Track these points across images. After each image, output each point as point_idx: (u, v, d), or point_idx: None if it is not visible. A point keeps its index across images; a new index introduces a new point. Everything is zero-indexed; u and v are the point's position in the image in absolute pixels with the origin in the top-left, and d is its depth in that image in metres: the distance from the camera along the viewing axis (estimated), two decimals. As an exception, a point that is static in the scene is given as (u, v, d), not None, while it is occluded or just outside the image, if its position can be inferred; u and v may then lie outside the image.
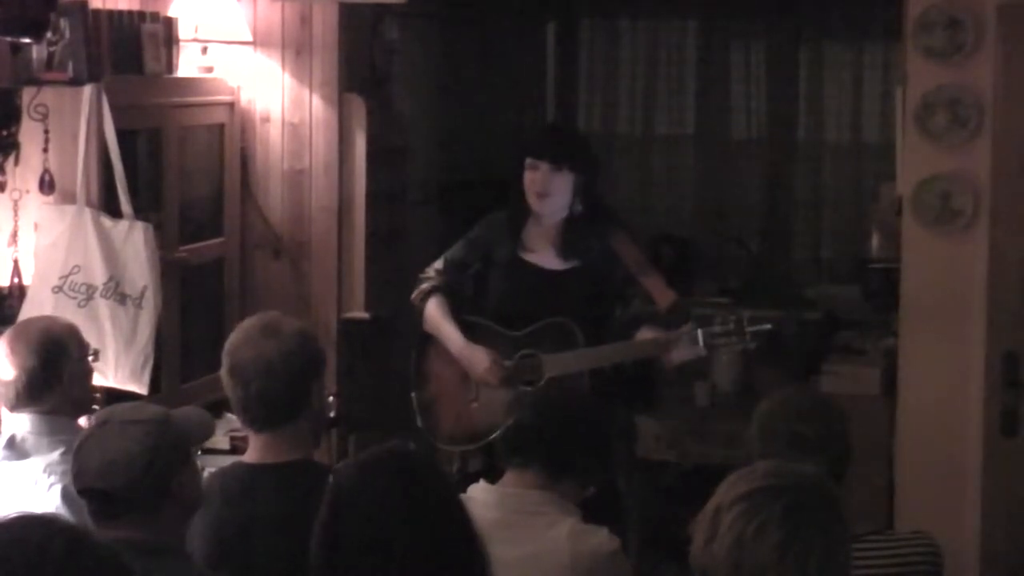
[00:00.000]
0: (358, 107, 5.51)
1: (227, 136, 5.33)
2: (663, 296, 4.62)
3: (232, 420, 4.63)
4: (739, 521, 2.22)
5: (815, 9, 7.94)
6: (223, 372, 3.24)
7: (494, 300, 4.54)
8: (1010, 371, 4.73)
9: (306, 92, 5.45)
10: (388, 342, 5.89)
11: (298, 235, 5.49)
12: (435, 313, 4.55)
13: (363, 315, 5.54)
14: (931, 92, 4.76)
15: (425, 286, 4.60)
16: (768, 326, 4.47)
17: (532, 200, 4.49)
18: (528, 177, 4.48)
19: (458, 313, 4.54)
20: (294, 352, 3.21)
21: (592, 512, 3.42)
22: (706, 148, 8.23)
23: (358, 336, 5.59)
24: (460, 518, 2.49)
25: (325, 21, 5.44)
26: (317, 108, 5.46)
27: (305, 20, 5.43)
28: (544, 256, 4.54)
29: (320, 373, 3.31)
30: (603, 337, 4.44)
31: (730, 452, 5.61)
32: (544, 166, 4.45)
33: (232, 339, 3.26)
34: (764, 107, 8.13)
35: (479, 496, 3.30)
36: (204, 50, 5.26)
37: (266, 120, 5.47)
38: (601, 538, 3.28)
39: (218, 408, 4.72)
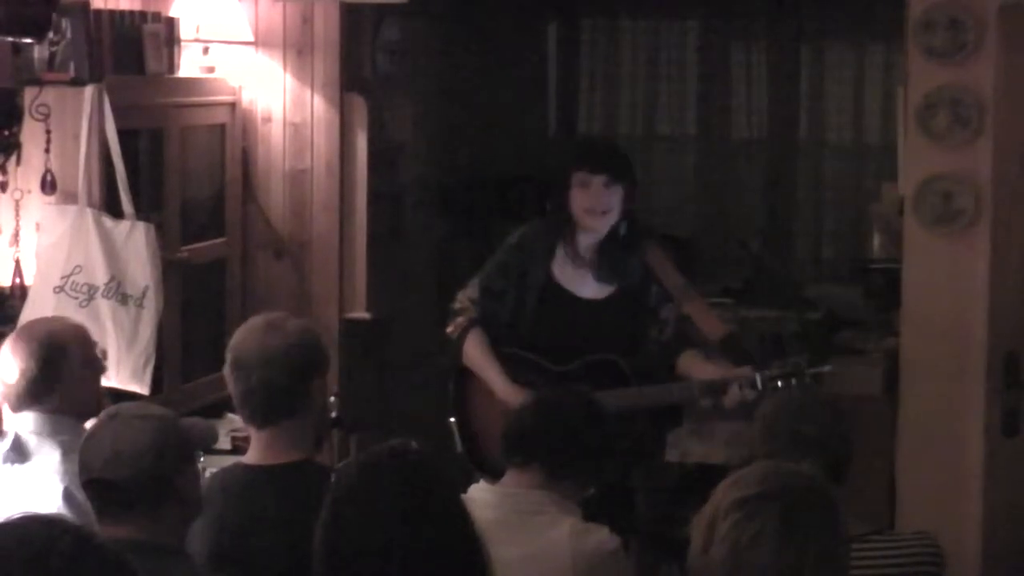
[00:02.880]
0: (359, 107, 5.51)
1: (228, 136, 5.33)
2: (712, 326, 4.41)
3: (234, 420, 4.63)
4: (735, 529, 2.22)
5: (816, 9, 7.94)
6: (226, 367, 3.26)
7: (528, 327, 4.35)
8: (1011, 371, 4.73)
9: (307, 92, 5.45)
10: (389, 342, 5.89)
11: (299, 235, 5.49)
12: (475, 352, 4.34)
13: (364, 315, 5.53)
14: (932, 92, 4.76)
15: (461, 319, 4.39)
16: (828, 367, 4.31)
17: (586, 218, 4.28)
18: (580, 194, 4.27)
19: (498, 345, 4.34)
20: (297, 345, 3.24)
21: (600, 513, 3.41)
22: (707, 148, 8.23)
23: (359, 336, 5.59)
24: (461, 518, 2.49)
25: (326, 21, 5.44)
26: (318, 108, 5.46)
27: (306, 20, 5.43)
28: (580, 282, 4.35)
29: (323, 371, 3.32)
30: (642, 363, 4.29)
31: (731, 452, 5.61)
32: (599, 181, 4.26)
33: (236, 335, 3.30)
34: (765, 107, 8.12)
35: (479, 496, 3.30)
36: (205, 50, 5.26)
37: (267, 120, 5.47)
38: (602, 537, 3.28)
39: (220, 409, 4.73)
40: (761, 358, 4.43)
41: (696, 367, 4.32)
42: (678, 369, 4.36)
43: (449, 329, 4.43)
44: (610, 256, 4.35)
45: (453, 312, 4.45)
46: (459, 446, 4.41)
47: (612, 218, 4.31)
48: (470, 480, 4.00)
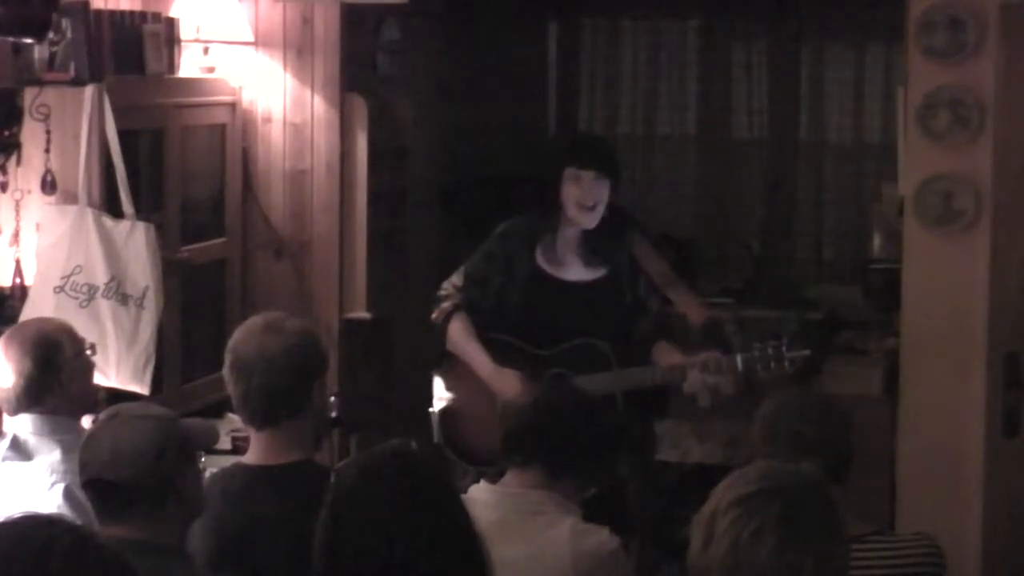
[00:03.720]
0: (359, 107, 5.51)
1: (229, 136, 5.33)
2: (695, 312, 4.51)
3: (234, 420, 4.63)
4: (735, 525, 2.22)
5: (816, 9, 7.93)
6: (225, 369, 3.26)
7: (515, 314, 4.43)
8: (1011, 372, 4.73)
9: (308, 92, 5.45)
10: (390, 342, 5.89)
11: (300, 235, 5.49)
12: (459, 335, 4.44)
13: (365, 315, 5.53)
14: (933, 92, 4.76)
15: (446, 305, 4.49)
16: (807, 352, 4.40)
17: (575, 212, 4.38)
18: (571, 188, 4.37)
19: (481, 330, 4.43)
20: (296, 347, 3.24)
21: (599, 513, 3.41)
22: (707, 148, 8.22)
23: (360, 336, 5.59)
24: (461, 519, 2.49)
25: (327, 21, 5.44)
26: (319, 108, 5.46)
27: (307, 20, 5.43)
28: (567, 268, 4.44)
29: (322, 372, 3.32)
30: (626, 352, 4.36)
31: (731, 452, 5.62)
32: (589, 176, 4.35)
33: (235, 336, 3.29)
34: (765, 107, 8.12)
35: (479, 496, 3.30)
36: (206, 50, 5.26)
37: (268, 120, 5.47)
38: (602, 537, 3.28)
39: (220, 409, 4.73)
40: (816, 337, 4.49)
41: (666, 355, 4.41)
42: (652, 359, 4.44)
43: (434, 316, 4.52)
44: (595, 241, 4.43)
45: (438, 299, 4.54)
46: (436, 436, 4.48)
47: (599, 211, 4.39)
48: (434, 454, 4.06)
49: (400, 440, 2.57)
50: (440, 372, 4.53)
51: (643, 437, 4.66)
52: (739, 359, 4.30)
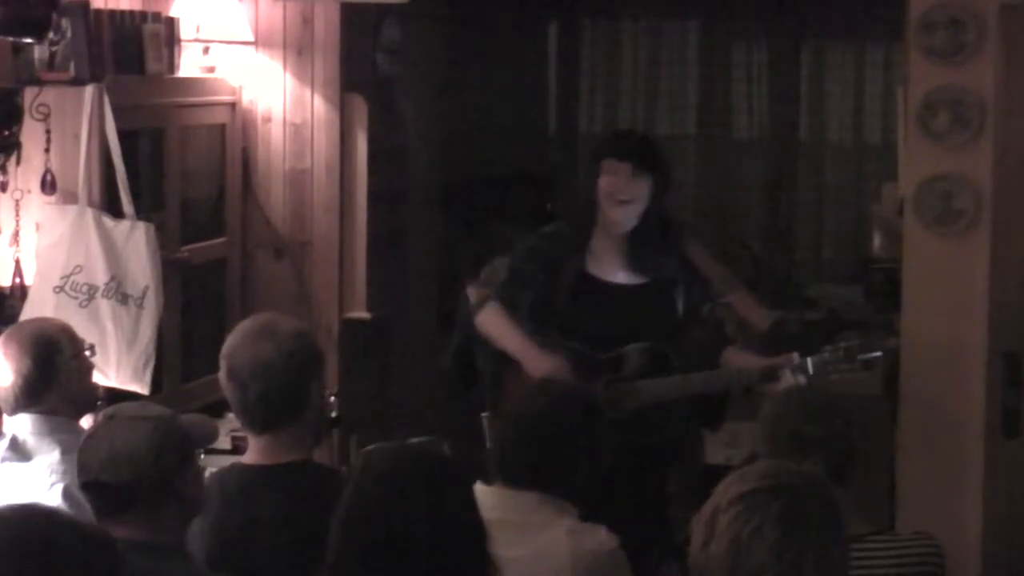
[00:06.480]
0: (360, 107, 5.51)
1: (229, 136, 5.33)
2: (758, 316, 4.36)
3: (234, 420, 4.63)
4: (736, 523, 2.22)
5: (817, 9, 7.94)
6: (221, 375, 3.24)
7: (562, 318, 4.28)
8: (1011, 371, 4.73)
9: (308, 92, 5.46)
10: (389, 342, 5.89)
11: (300, 235, 5.49)
12: (497, 319, 4.26)
13: (364, 315, 5.54)
14: (933, 92, 4.75)
15: (485, 291, 4.33)
16: (878, 353, 4.27)
17: (608, 207, 4.22)
18: (605, 181, 4.21)
19: (533, 333, 4.26)
20: (292, 352, 3.21)
21: (639, 530, 3.37)
22: (708, 148, 8.22)
23: (359, 336, 5.59)
24: (472, 523, 2.50)
25: (327, 21, 5.44)
26: (319, 108, 5.46)
27: (307, 20, 5.44)
28: (614, 270, 4.30)
29: (319, 372, 3.30)
30: (684, 359, 4.25)
31: (731, 452, 5.61)
32: (626, 168, 4.20)
33: (229, 342, 3.26)
34: (766, 107, 8.12)
35: (477, 498, 3.29)
36: (206, 50, 5.27)
37: (268, 120, 5.47)
38: (601, 536, 3.27)
39: (220, 409, 4.73)
40: (817, 337, 4.39)
41: (742, 359, 4.31)
42: (722, 365, 4.33)
43: (473, 299, 4.35)
44: (642, 248, 4.30)
45: (478, 283, 4.38)
46: (489, 443, 4.35)
47: (634, 209, 4.26)
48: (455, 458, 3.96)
49: (428, 439, 2.57)
50: (487, 376, 4.40)
51: (693, 448, 4.57)
52: (810, 363, 4.18)
